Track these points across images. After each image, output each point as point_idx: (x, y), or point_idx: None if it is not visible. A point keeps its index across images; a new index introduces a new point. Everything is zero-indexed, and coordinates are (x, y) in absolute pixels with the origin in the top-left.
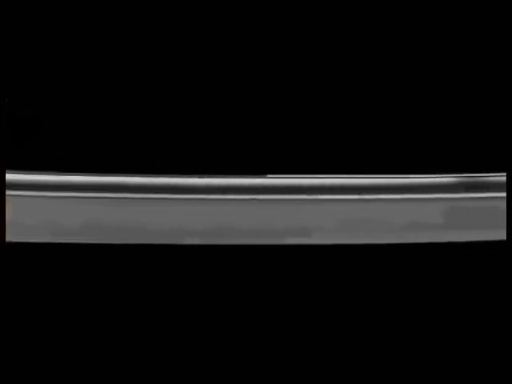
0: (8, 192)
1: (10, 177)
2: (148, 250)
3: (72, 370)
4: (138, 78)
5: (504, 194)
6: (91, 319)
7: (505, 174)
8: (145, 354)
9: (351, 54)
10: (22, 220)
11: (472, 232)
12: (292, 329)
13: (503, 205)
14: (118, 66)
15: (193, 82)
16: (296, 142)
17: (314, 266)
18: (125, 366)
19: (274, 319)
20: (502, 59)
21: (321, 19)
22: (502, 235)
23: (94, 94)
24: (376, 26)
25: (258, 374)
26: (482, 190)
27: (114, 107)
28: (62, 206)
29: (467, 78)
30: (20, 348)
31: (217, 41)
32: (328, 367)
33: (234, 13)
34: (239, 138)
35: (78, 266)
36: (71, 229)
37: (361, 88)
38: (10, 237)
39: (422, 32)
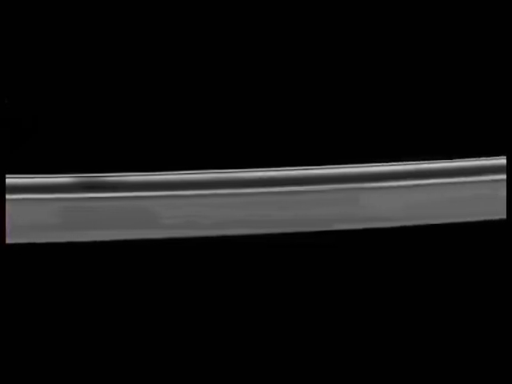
0: (8, 196)
1: (9, 180)
2: (151, 246)
3: (72, 370)
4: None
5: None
6: (93, 319)
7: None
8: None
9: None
10: (21, 222)
11: (92, 232)
12: None
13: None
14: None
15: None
16: None
17: None
18: (125, 367)
19: None
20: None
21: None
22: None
23: (92, 95)
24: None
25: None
26: (100, 190)
27: (111, 108)
28: (61, 208)
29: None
30: (21, 349)
31: (197, 39)
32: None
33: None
34: None
35: (79, 265)
36: (71, 229)
37: None
38: (10, 239)
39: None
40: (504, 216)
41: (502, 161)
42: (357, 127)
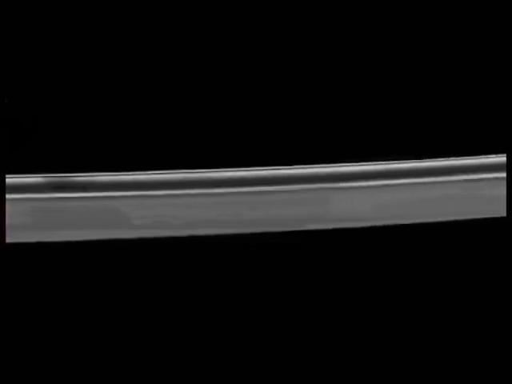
0: (8, 195)
1: (9, 180)
2: (121, 246)
3: (72, 370)
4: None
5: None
6: (94, 319)
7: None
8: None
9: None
10: (21, 221)
11: (62, 233)
12: None
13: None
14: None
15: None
16: None
17: None
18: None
19: None
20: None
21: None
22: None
23: (90, 95)
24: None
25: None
26: (70, 191)
27: (82, 108)
28: (31, 208)
29: None
30: (22, 348)
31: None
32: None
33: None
34: None
35: (48, 265)
36: (40, 229)
37: None
38: (10, 238)
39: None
40: (474, 216)
41: (473, 161)
42: (326, 127)
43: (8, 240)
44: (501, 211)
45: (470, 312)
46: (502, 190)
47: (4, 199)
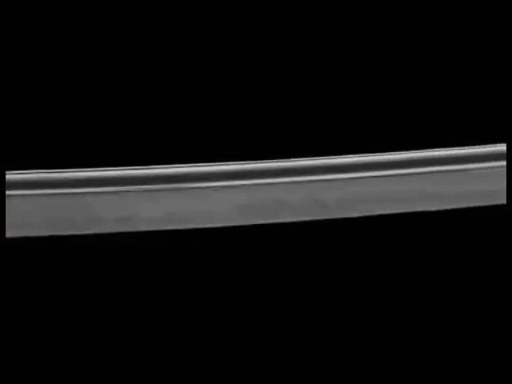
0: (8, 192)
1: (8, 176)
2: (148, 239)
3: (73, 366)
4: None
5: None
6: (94, 314)
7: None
8: None
9: None
10: (21, 217)
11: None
12: None
13: None
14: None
15: None
16: None
17: None
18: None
19: None
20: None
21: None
22: None
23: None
24: None
25: None
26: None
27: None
28: (60, 203)
29: None
30: (22, 344)
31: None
32: None
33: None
34: None
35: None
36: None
37: None
38: (10, 233)
39: None
40: (475, 204)
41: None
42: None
43: (8, 235)
44: (501, 199)
45: (470, 305)
46: (503, 180)
47: (4, 196)
